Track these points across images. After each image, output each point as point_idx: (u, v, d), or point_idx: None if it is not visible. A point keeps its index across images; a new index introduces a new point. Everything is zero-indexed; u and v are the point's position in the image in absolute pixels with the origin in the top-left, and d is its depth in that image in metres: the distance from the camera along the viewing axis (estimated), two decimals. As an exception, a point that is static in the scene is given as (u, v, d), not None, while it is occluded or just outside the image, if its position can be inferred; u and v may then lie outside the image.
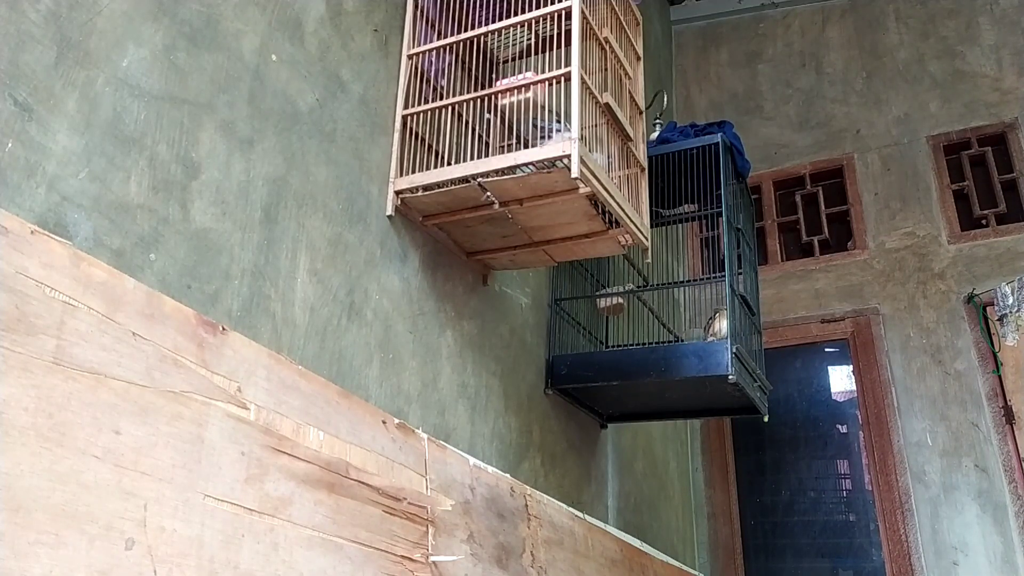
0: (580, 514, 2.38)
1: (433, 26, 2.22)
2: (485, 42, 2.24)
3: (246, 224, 1.58)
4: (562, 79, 1.88)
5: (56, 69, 1.23)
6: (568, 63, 1.87)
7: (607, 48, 2.14)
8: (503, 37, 2.25)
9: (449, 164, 1.99)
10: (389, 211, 2.00)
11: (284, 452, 1.31)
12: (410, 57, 2.12)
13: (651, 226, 2.31)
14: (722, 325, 2.85)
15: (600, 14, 2.15)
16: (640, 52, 2.44)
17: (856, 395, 4.25)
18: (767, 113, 4.96)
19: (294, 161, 1.73)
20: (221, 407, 1.22)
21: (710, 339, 2.83)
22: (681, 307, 4.02)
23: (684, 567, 3.32)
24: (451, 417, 2.18)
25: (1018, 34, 4.41)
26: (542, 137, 2.07)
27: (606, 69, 2.13)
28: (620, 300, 3.07)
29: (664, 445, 4.07)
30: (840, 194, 4.61)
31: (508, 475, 2.04)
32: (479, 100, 2.07)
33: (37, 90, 1.20)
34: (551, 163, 1.82)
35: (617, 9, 2.28)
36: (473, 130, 2.10)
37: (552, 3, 1.97)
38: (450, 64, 2.22)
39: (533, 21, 2.02)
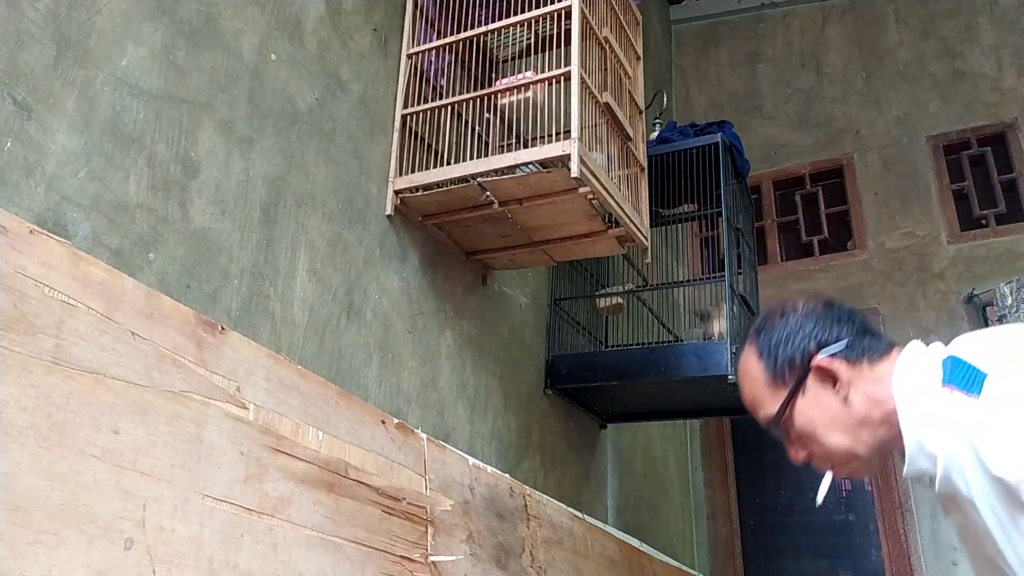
0: (579, 514, 2.38)
1: (433, 25, 2.22)
2: (485, 41, 2.23)
3: (245, 224, 1.57)
4: (562, 79, 1.88)
5: (55, 68, 1.23)
6: (568, 63, 1.87)
7: (607, 48, 2.14)
8: (503, 36, 2.24)
9: (449, 164, 1.99)
10: (388, 211, 2.00)
11: (283, 452, 1.30)
12: (410, 56, 2.12)
13: (651, 226, 2.31)
14: (719, 324, 2.84)
15: (600, 13, 2.15)
16: (640, 52, 2.44)
17: (856, 395, 4.24)
18: (767, 113, 4.96)
19: (293, 160, 1.72)
20: (220, 407, 1.21)
21: (710, 338, 2.83)
22: (681, 307, 4.02)
23: (683, 567, 3.32)
24: (450, 417, 2.18)
25: (1018, 34, 4.40)
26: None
27: (606, 69, 2.13)
28: (620, 300, 3.06)
29: (664, 445, 4.06)
30: (840, 194, 4.61)
31: (507, 475, 2.04)
32: (479, 99, 2.07)
33: (36, 89, 1.20)
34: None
35: (617, 8, 2.28)
36: (473, 129, 2.10)
37: (552, 2, 1.97)
38: (450, 63, 2.22)
39: (533, 20, 2.02)
